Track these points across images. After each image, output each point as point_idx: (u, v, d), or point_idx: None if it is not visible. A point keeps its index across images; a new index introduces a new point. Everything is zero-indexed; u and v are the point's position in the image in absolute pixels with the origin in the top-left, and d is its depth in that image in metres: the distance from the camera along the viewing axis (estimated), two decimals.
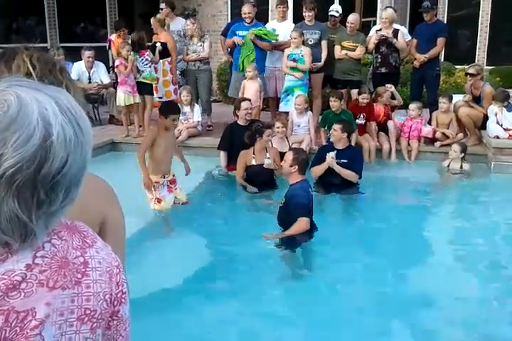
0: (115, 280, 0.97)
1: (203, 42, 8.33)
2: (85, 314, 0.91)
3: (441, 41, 7.94)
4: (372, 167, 7.13)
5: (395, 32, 7.88)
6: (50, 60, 1.24)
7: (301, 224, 4.43)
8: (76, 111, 0.88)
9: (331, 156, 5.82)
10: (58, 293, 0.88)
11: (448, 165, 6.87)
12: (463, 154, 6.82)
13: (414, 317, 3.66)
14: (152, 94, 8.07)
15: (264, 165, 6.04)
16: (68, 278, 0.90)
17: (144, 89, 7.90)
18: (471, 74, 7.58)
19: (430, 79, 8.03)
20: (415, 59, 8.11)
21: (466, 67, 8.01)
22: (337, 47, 7.92)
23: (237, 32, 7.99)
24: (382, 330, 3.51)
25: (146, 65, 7.90)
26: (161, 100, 8.45)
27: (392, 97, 7.73)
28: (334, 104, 6.99)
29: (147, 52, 7.90)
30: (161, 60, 8.17)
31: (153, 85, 8.08)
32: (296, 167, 4.69)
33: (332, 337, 3.43)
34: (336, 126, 6.06)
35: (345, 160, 5.91)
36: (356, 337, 3.43)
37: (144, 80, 7.92)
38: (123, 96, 7.75)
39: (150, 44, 8.25)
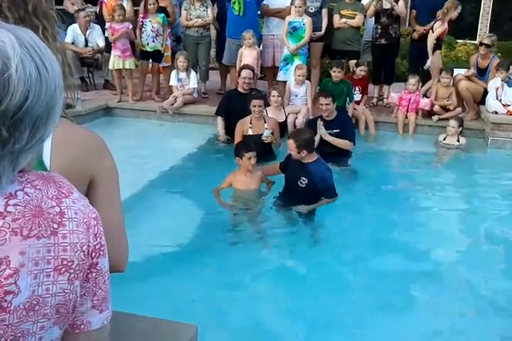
0: (93, 231, 0.94)
1: (206, 7, 8.01)
2: (62, 264, 0.89)
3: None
4: (369, 140, 7.09)
5: None
6: (22, 4, 1.17)
7: (330, 202, 4.66)
8: (40, 47, 0.84)
9: (320, 127, 5.83)
10: (33, 241, 0.85)
11: (444, 139, 6.84)
12: (460, 129, 6.78)
13: (417, 289, 3.68)
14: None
15: (262, 137, 5.94)
16: (43, 227, 0.87)
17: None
18: (486, 45, 7.43)
19: None
20: (414, 30, 7.98)
21: (468, 41, 7.92)
22: (336, 16, 7.78)
23: None
24: (385, 305, 3.49)
25: None
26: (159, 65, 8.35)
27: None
28: (338, 74, 6.89)
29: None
30: None
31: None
32: (305, 151, 4.58)
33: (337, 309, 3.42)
34: (328, 100, 5.93)
35: (337, 130, 5.90)
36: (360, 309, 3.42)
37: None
38: (112, 60, 7.75)
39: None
